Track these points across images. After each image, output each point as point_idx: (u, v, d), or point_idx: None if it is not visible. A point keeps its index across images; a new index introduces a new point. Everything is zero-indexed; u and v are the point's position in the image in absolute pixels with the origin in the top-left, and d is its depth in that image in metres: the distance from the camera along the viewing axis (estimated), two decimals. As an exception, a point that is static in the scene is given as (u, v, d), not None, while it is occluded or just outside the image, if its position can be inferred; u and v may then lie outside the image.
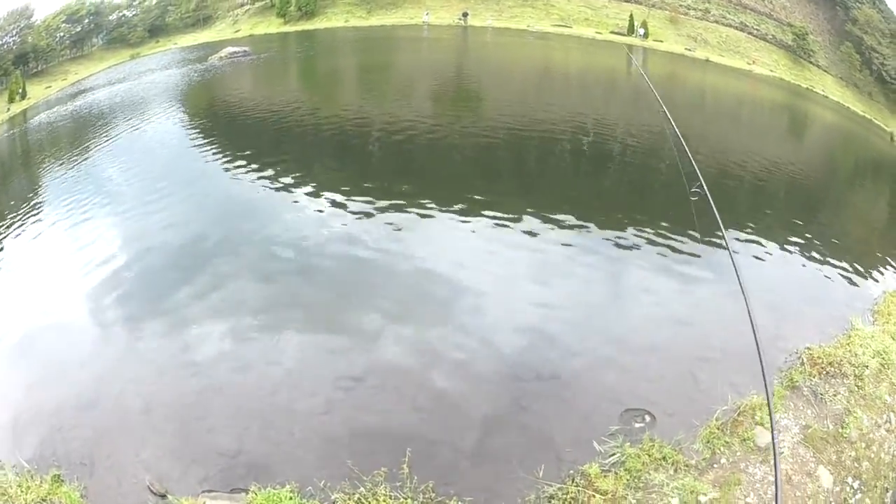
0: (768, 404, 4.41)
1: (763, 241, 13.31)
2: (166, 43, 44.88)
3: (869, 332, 9.86)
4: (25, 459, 7.81)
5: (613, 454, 7.31)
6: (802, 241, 13.31)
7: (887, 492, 7.54)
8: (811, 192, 19.56)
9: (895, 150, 31.98)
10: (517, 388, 8.64)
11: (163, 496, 7.25)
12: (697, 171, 9.65)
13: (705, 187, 9.13)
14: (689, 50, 40.22)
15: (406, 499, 6.85)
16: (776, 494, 4.09)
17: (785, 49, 40.07)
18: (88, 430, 8.28)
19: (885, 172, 27.56)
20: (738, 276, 5.32)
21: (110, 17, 44.18)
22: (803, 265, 12.62)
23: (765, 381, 4.74)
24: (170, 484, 7.37)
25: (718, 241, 13.13)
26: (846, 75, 38.21)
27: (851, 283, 12.39)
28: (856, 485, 7.39)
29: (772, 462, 7.19)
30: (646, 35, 40.94)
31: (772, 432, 4.29)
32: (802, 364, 8.76)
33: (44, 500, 7.20)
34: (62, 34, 41.70)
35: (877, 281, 12.71)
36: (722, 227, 8.53)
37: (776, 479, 4.11)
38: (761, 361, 4.77)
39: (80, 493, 7.34)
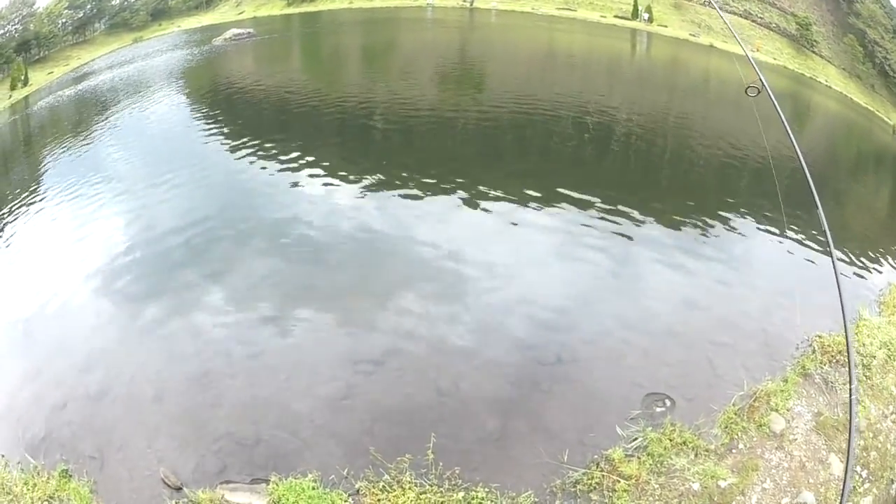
0: (847, 345, 4.54)
1: (767, 228, 13.38)
2: (169, 26, 44.46)
3: (876, 322, 9.94)
4: (31, 454, 7.55)
5: (636, 438, 7.37)
6: (805, 231, 13.17)
7: (892, 483, 7.63)
8: (814, 180, 19.41)
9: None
10: (538, 371, 8.68)
11: (178, 489, 7.03)
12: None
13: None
14: (694, 35, 39.95)
15: (432, 486, 6.82)
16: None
17: (788, 38, 39.86)
18: (98, 421, 8.06)
19: (889, 164, 27.58)
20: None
21: (113, 2, 43.74)
22: (807, 255, 12.57)
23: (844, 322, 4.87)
24: (185, 476, 7.20)
25: (729, 224, 13.26)
26: (849, 67, 38.03)
27: (856, 273, 12.44)
28: (864, 474, 7.50)
29: (786, 448, 7.37)
30: (650, 19, 40.70)
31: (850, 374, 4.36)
32: (814, 352, 8.85)
33: (51, 498, 6.93)
34: (64, 20, 41.35)
35: (881, 272, 12.78)
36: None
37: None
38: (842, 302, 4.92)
39: (89, 488, 7.08)
